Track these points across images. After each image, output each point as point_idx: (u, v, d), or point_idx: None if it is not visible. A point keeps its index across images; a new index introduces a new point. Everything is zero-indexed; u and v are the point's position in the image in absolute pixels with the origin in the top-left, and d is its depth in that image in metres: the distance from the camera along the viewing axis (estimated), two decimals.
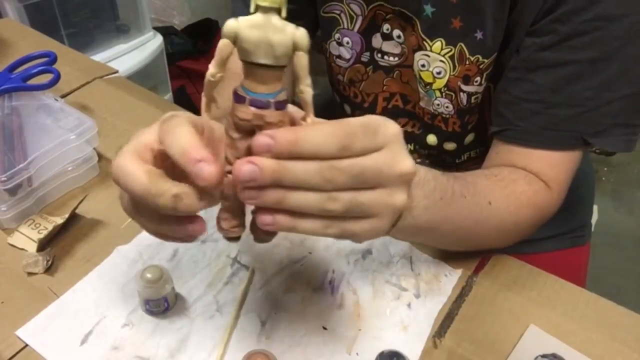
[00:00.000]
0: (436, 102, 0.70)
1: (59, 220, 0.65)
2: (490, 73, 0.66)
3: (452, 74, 0.67)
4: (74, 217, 0.66)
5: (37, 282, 0.60)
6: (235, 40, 0.36)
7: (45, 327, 0.56)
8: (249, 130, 0.38)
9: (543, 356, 0.54)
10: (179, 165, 0.37)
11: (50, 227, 0.64)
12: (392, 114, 0.78)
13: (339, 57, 0.75)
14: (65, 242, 0.65)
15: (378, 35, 0.70)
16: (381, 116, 0.40)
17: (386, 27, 0.69)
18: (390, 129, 0.39)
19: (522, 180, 0.61)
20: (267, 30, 0.35)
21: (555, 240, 0.84)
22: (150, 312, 0.57)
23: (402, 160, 0.39)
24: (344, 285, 0.61)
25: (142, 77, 1.61)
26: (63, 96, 0.84)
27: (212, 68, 0.38)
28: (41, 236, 0.63)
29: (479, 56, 0.64)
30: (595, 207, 0.95)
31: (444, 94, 0.69)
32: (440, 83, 0.68)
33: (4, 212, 0.64)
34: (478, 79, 0.66)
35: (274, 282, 0.61)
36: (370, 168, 0.38)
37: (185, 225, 0.40)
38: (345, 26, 0.71)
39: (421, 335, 0.56)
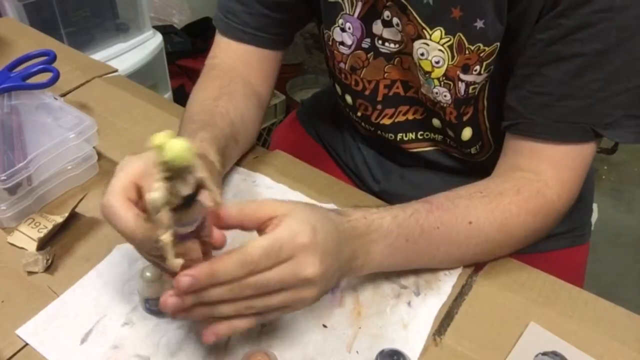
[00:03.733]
0: (435, 90, 0.71)
1: (59, 219, 0.65)
2: (491, 64, 0.66)
3: (450, 63, 0.67)
4: (73, 216, 0.66)
5: (37, 281, 0.60)
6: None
7: (45, 326, 0.56)
8: None
9: (543, 354, 0.54)
10: None
11: (50, 226, 0.64)
12: (393, 101, 0.78)
13: (342, 43, 0.75)
14: (65, 241, 0.65)
15: (379, 22, 0.71)
16: (294, 226, 0.47)
17: (387, 14, 0.69)
18: (298, 241, 0.46)
19: (509, 191, 0.62)
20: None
21: (555, 239, 0.84)
22: (150, 310, 0.57)
23: (307, 267, 0.47)
24: (344, 284, 0.61)
25: (141, 76, 1.61)
26: (62, 95, 0.84)
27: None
28: (41, 235, 0.63)
29: (480, 44, 0.65)
30: (595, 206, 0.95)
31: (442, 82, 0.69)
32: (438, 72, 0.69)
33: (3, 211, 0.64)
34: (477, 67, 0.66)
35: None
36: (273, 279, 0.46)
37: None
38: (347, 11, 0.72)
39: (421, 334, 0.56)
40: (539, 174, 0.63)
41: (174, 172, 0.39)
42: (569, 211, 0.66)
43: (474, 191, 0.62)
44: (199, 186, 0.42)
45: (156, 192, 0.40)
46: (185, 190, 0.41)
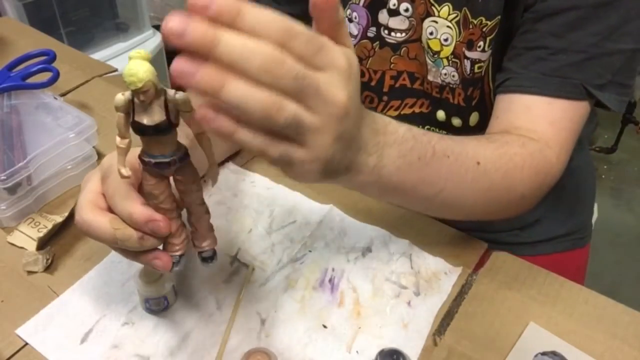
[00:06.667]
0: (443, 71, 0.71)
1: (59, 218, 0.65)
2: (494, 40, 0.66)
3: (457, 39, 0.68)
4: (73, 216, 0.66)
5: (36, 280, 0.60)
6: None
7: (45, 326, 0.56)
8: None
9: (543, 354, 0.54)
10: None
11: (49, 226, 0.64)
12: (399, 93, 0.78)
13: (349, 34, 0.76)
14: (64, 241, 0.65)
15: (384, 11, 0.71)
16: (345, 54, 0.39)
17: (393, 2, 0.70)
18: (337, 57, 0.38)
19: (515, 142, 0.59)
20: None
21: (555, 242, 0.84)
22: (150, 310, 0.57)
23: (339, 90, 0.38)
24: (343, 283, 0.61)
25: None
26: (62, 94, 0.84)
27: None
28: (41, 235, 0.63)
29: (482, 18, 0.65)
30: (595, 206, 0.95)
31: (450, 61, 0.70)
32: (447, 51, 0.69)
33: (3, 211, 0.64)
34: (481, 44, 0.67)
35: (274, 280, 0.61)
36: (316, 81, 0.36)
37: (152, 261, 0.47)
38: (354, 0, 0.73)
39: (421, 333, 0.56)
40: (538, 133, 0.61)
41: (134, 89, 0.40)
42: (569, 212, 0.66)
43: (479, 136, 0.60)
44: (175, 123, 0.42)
45: (122, 95, 0.42)
46: (156, 116, 0.41)
